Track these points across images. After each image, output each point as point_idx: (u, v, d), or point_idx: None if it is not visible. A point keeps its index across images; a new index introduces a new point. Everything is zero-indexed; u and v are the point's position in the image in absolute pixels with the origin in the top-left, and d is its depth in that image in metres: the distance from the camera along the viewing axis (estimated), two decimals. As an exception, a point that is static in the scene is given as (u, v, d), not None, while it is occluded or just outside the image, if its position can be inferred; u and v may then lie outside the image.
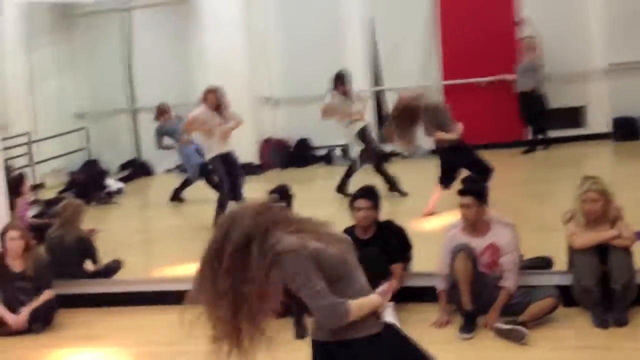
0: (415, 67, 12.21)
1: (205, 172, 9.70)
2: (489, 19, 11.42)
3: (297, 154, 12.53)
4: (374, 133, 12.48)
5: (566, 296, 5.36)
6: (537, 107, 11.31)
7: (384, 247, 5.64)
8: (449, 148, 8.10)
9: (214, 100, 8.68)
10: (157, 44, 12.93)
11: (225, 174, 8.62)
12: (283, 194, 6.09)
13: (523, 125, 11.58)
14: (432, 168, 8.79)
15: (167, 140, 10.58)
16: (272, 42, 12.50)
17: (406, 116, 7.99)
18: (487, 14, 11.49)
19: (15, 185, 7.38)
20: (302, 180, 11.05)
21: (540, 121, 11.44)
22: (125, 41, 13.09)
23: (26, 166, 10.78)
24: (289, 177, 10.72)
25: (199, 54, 12.24)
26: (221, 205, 8.35)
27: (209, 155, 8.78)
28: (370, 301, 3.10)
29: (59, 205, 6.97)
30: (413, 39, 12.22)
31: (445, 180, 8.09)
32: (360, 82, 12.34)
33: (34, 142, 11.40)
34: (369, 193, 5.84)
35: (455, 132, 8.10)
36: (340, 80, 9.67)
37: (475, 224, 5.46)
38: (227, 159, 8.67)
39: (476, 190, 5.50)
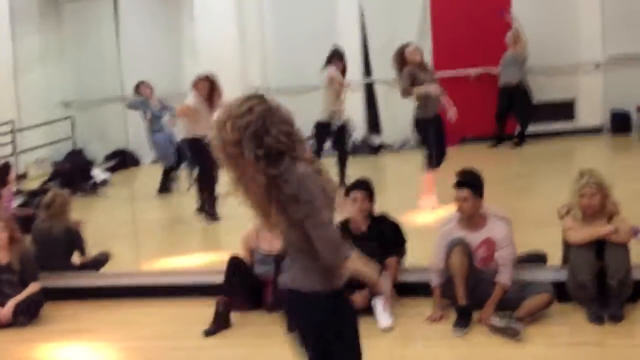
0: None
1: (181, 158, 9.68)
2: (481, 9, 11.33)
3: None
4: (363, 123, 12.50)
5: (560, 292, 5.30)
6: (523, 101, 11.27)
7: (378, 240, 5.56)
8: (431, 119, 8.14)
9: (205, 88, 8.49)
10: (148, 33, 12.78)
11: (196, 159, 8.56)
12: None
13: (497, 120, 11.48)
14: (421, 160, 8.73)
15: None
16: (263, 31, 12.37)
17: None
18: (479, 5, 11.41)
19: (0, 175, 7.24)
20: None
21: (526, 115, 11.39)
22: (114, 29, 12.91)
23: (9, 155, 10.61)
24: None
25: (190, 43, 12.12)
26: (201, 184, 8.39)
27: (180, 135, 8.74)
28: (366, 269, 3.16)
29: (46, 196, 6.82)
30: (404, 30, 12.10)
31: (433, 159, 8.12)
32: (351, 73, 12.30)
33: (18, 130, 11.23)
34: (363, 185, 5.75)
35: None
36: (339, 57, 9.58)
37: (472, 218, 5.39)
38: (196, 145, 8.38)
39: (473, 182, 5.42)
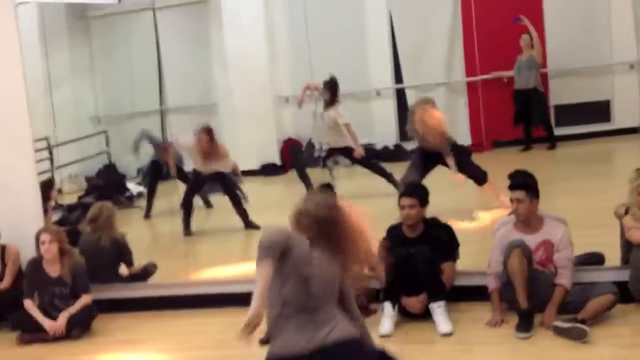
0: (436, 64, 12.05)
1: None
2: (513, 13, 11.23)
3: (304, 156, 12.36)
4: (395, 131, 12.44)
5: (622, 293, 5.20)
6: (539, 104, 11.19)
7: (433, 245, 5.49)
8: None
9: (204, 143, 8.61)
10: (177, 45, 12.79)
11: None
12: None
13: (515, 123, 11.37)
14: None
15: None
16: (292, 41, 12.34)
17: None
18: (511, 9, 11.32)
19: (44, 190, 7.22)
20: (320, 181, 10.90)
21: (545, 118, 11.29)
22: (146, 42, 12.95)
23: (47, 171, 10.62)
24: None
25: (220, 54, 12.11)
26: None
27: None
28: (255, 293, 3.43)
29: (92, 209, 6.80)
30: (434, 35, 12.06)
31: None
32: (382, 80, 12.28)
33: (54, 146, 11.25)
34: (413, 190, 5.70)
35: None
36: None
37: (528, 220, 5.30)
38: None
39: (527, 183, 5.33)
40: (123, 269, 6.76)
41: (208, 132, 8.61)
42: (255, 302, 3.38)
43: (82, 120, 12.86)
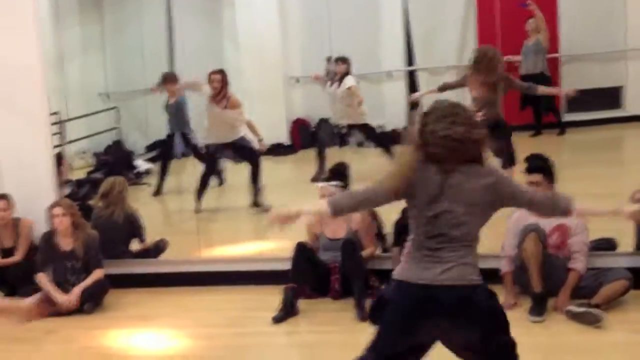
0: (449, 47, 11.98)
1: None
2: (527, -3, 11.16)
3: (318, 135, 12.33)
4: (405, 113, 12.40)
5: (635, 278, 5.20)
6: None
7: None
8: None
9: (215, 82, 8.64)
10: (187, 21, 12.73)
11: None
12: (342, 172, 5.92)
13: (521, 108, 11.32)
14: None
15: None
16: (305, 20, 12.28)
17: None
18: (526, -8, 11.24)
19: (55, 165, 7.21)
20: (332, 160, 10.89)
21: (551, 104, 11.24)
22: (158, 19, 12.89)
23: (58, 146, 10.61)
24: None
25: (231, 30, 12.05)
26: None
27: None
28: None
29: (104, 183, 6.80)
30: (448, 18, 11.98)
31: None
32: (393, 62, 12.21)
33: (65, 121, 11.22)
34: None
35: None
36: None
37: (544, 204, 5.28)
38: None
39: (544, 167, 5.32)
40: (135, 245, 6.76)
41: (220, 71, 8.65)
42: (308, 208, 3.37)
43: (91, 96, 12.82)
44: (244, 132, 8.67)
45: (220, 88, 8.57)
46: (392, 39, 12.04)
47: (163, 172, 9.88)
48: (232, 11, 11.91)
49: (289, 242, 6.09)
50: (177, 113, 9.95)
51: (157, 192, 9.86)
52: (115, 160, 11.41)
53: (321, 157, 9.27)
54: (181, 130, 9.74)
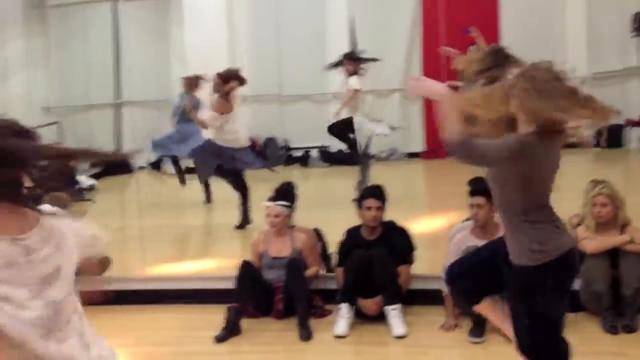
0: (393, 70, 12.18)
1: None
2: (472, 23, 11.40)
3: (265, 154, 12.38)
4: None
5: (572, 301, 5.33)
6: None
7: (390, 248, 5.56)
8: None
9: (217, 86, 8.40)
10: (136, 39, 12.69)
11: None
12: (288, 192, 5.95)
13: None
14: (410, 171, 8.84)
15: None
16: (252, 39, 12.34)
17: None
18: (470, 19, 11.48)
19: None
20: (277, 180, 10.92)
21: None
22: (104, 35, 12.81)
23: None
24: (263, 177, 10.51)
25: (179, 49, 12.05)
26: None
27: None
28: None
29: (45, 200, 6.69)
30: (394, 41, 12.19)
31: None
32: (340, 84, 12.32)
33: (5, 135, 11.05)
34: (378, 192, 5.75)
35: None
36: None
37: (485, 226, 5.41)
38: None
39: (487, 190, 5.41)
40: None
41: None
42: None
43: (33, 110, 12.66)
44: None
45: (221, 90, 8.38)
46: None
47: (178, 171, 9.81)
48: (180, 29, 11.93)
49: (233, 260, 6.11)
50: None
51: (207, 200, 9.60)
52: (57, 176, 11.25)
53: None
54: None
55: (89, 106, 12.82)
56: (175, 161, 9.90)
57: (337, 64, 9.30)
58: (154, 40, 12.68)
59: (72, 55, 12.89)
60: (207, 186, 9.42)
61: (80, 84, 12.76)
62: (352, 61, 9.18)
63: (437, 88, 3.43)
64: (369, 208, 5.60)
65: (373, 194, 5.72)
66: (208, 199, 9.46)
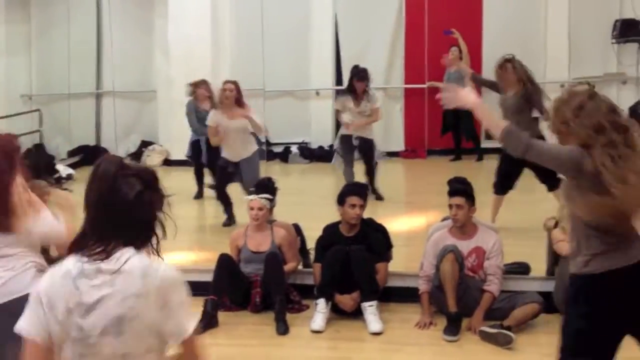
0: (376, 69, 12.19)
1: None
2: (455, 24, 11.48)
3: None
4: (332, 132, 12.55)
5: (546, 302, 5.40)
6: (467, 116, 11.44)
7: (368, 245, 5.59)
8: None
9: (228, 91, 7.94)
10: (119, 30, 12.63)
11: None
12: (269, 186, 5.98)
13: (442, 134, 11.67)
14: (390, 170, 8.89)
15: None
16: (236, 35, 12.32)
17: None
18: (454, 20, 11.56)
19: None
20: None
21: (472, 131, 11.58)
22: (87, 23, 12.73)
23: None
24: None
25: (162, 41, 12.01)
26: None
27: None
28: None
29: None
30: (377, 41, 12.24)
31: (501, 186, 7.52)
32: (322, 81, 12.38)
33: (-19, 122, 10.97)
34: (361, 190, 5.78)
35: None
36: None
37: (464, 227, 5.47)
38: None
39: (467, 190, 5.50)
40: (53, 250, 6.63)
41: (234, 82, 8.08)
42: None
43: (13, 97, 12.58)
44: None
45: (234, 99, 7.91)
46: (322, 58, 12.24)
47: (198, 179, 9.54)
48: (164, 21, 11.88)
49: (211, 253, 6.11)
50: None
51: (199, 195, 9.50)
52: (34, 164, 11.17)
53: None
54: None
55: (70, 95, 12.74)
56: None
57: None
58: (138, 31, 12.62)
59: (54, 44, 12.80)
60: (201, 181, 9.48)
61: (61, 73, 12.67)
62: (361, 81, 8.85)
63: (472, 98, 3.51)
64: (352, 205, 5.61)
65: (357, 191, 5.75)
66: (200, 194, 9.49)
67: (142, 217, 2.29)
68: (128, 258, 2.25)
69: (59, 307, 2.22)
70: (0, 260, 3.42)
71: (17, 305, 2.51)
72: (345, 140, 8.92)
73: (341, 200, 5.67)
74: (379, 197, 8.75)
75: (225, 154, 7.95)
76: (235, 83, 8.04)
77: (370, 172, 8.90)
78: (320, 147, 12.27)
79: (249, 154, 7.87)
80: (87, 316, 2.22)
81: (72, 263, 2.26)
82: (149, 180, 2.31)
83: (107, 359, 2.24)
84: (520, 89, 7.22)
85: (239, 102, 7.88)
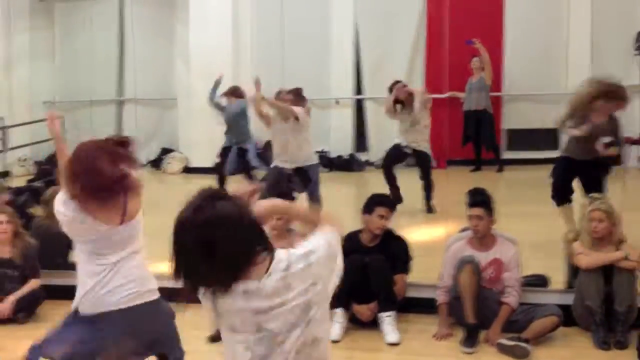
0: (398, 78, 12.19)
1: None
2: (476, 35, 11.47)
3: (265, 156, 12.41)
4: (351, 141, 12.56)
5: (565, 316, 5.37)
6: (489, 126, 11.45)
7: (387, 256, 5.59)
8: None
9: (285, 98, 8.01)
10: (141, 36, 12.74)
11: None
12: (288, 194, 5.99)
13: (463, 144, 11.63)
14: (410, 179, 8.88)
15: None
16: (257, 42, 12.38)
17: None
18: (475, 30, 11.55)
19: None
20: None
21: (493, 141, 11.55)
22: (109, 31, 12.85)
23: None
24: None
25: (183, 49, 12.09)
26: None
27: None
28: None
29: (46, 193, 6.74)
30: (398, 50, 12.24)
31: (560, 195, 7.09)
32: (342, 90, 12.41)
33: (8, 127, 11.09)
34: (391, 202, 5.80)
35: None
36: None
37: (482, 238, 5.45)
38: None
39: (487, 201, 5.48)
40: (73, 256, 6.69)
41: (295, 91, 8.10)
42: None
43: (37, 103, 12.72)
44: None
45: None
46: (343, 67, 12.27)
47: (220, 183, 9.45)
48: (185, 29, 11.97)
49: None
50: (235, 120, 9.48)
51: None
52: (56, 170, 11.28)
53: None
54: (238, 142, 9.28)
55: (92, 102, 12.85)
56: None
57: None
58: (159, 38, 12.72)
59: (77, 50, 12.93)
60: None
61: (83, 79, 12.80)
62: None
63: None
64: (381, 216, 5.60)
65: (386, 203, 5.75)
66: None
67: None
68: None
69: None
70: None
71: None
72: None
73: (369, 209, 5.65)
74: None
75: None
76: (295, 92, 8.01)
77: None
78: (339, 156, 12.28)
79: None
80: None
81: None
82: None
83: None
84: None
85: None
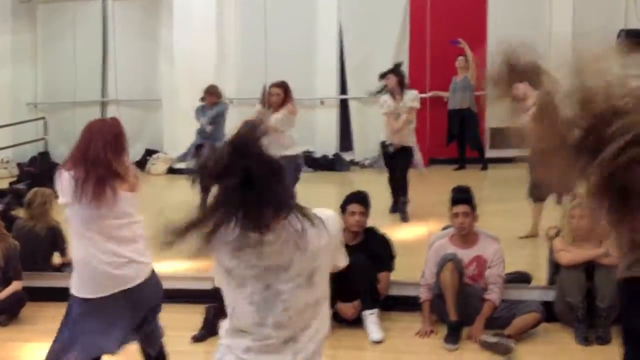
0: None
1: None
2: (460, 34, 11.51)
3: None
4: (336, 141, 12.57)
5: (547, 312, 5.40)
6: (473, 125, 11.49)
7: (370, 254, 5.59)
8: None
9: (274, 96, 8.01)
10: (125, 38, 12.70)
11: None
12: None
13: (447, 143, 11.65)
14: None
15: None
16: (241, 44, 12.37)
17: None
18: (458, 30, 11.59)
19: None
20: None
21: (477, 140, 11.59)
22: (93, 32, 12.81)
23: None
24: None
25: (167, 51, 12.07)
26: None
27: None
28: None
29: (28, 194, 6.70)
30: (382, 49, 12.26)
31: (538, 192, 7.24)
32: (327, 90, 12.42)
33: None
34: (363, 198, 5.79)
35: None
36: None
37: (465, 235, 5.47)
38: None
39: (470, 198, 5.50)
40: (56, 258, 6.67)
41: (281, 84, 8.04)
42: None
43: (19, 105, 12.65)
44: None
45: (281, 102, 7.94)
46: (327, 68, 12.28)
47: None
48: (169, 31, 11.94)
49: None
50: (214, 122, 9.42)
51: None
52: (40, 172, 11.23)
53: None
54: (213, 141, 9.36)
55: (75, 103, 12.80)
56: None
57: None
58: (143, 40, 12.69)
59: (60, 52, 12.88)
60: None
61: (67, 81, 12.75)
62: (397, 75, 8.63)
63: None
64: (352, 213, 5.62)
65: (357, 199, 5.75)
66: None
67: None
68: None
69: None
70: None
71: None
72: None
73: (343, 207, 5.68)
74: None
75: None
76: (282, 85, 7.99)
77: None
78: (324, 156, 12.29)
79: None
80: None
81: None
82: None
83: None
84: None
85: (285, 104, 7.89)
